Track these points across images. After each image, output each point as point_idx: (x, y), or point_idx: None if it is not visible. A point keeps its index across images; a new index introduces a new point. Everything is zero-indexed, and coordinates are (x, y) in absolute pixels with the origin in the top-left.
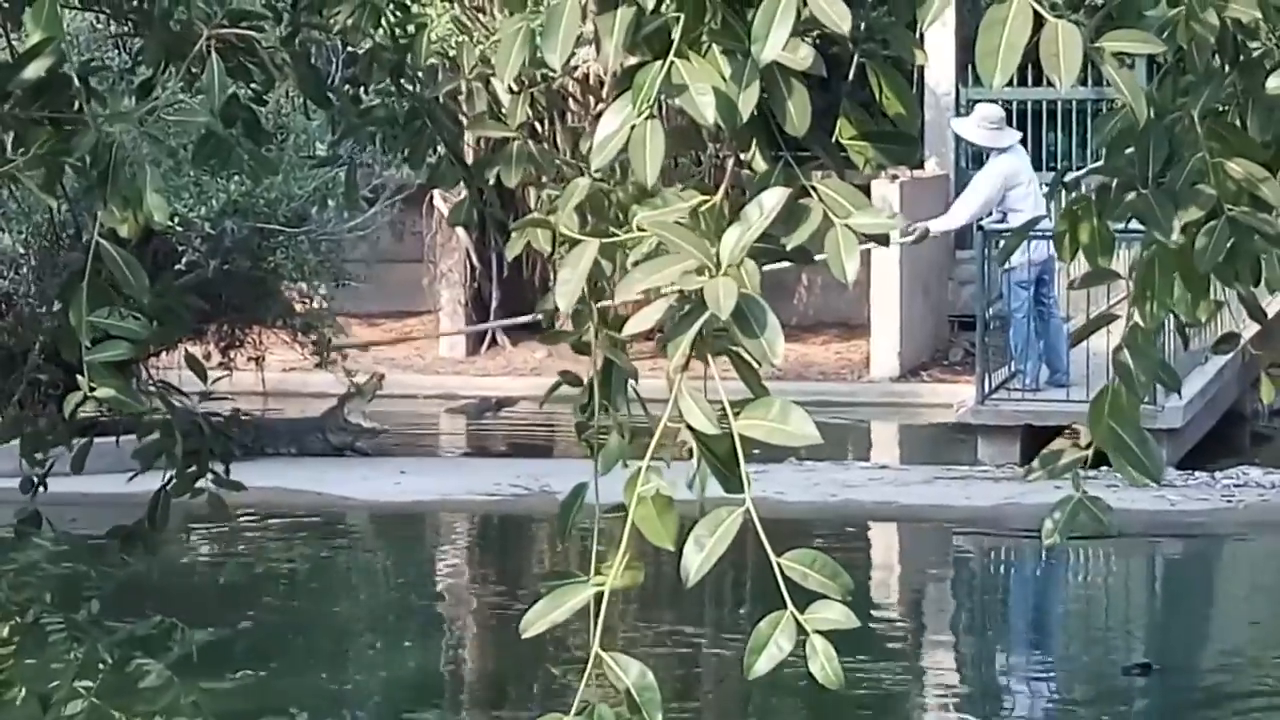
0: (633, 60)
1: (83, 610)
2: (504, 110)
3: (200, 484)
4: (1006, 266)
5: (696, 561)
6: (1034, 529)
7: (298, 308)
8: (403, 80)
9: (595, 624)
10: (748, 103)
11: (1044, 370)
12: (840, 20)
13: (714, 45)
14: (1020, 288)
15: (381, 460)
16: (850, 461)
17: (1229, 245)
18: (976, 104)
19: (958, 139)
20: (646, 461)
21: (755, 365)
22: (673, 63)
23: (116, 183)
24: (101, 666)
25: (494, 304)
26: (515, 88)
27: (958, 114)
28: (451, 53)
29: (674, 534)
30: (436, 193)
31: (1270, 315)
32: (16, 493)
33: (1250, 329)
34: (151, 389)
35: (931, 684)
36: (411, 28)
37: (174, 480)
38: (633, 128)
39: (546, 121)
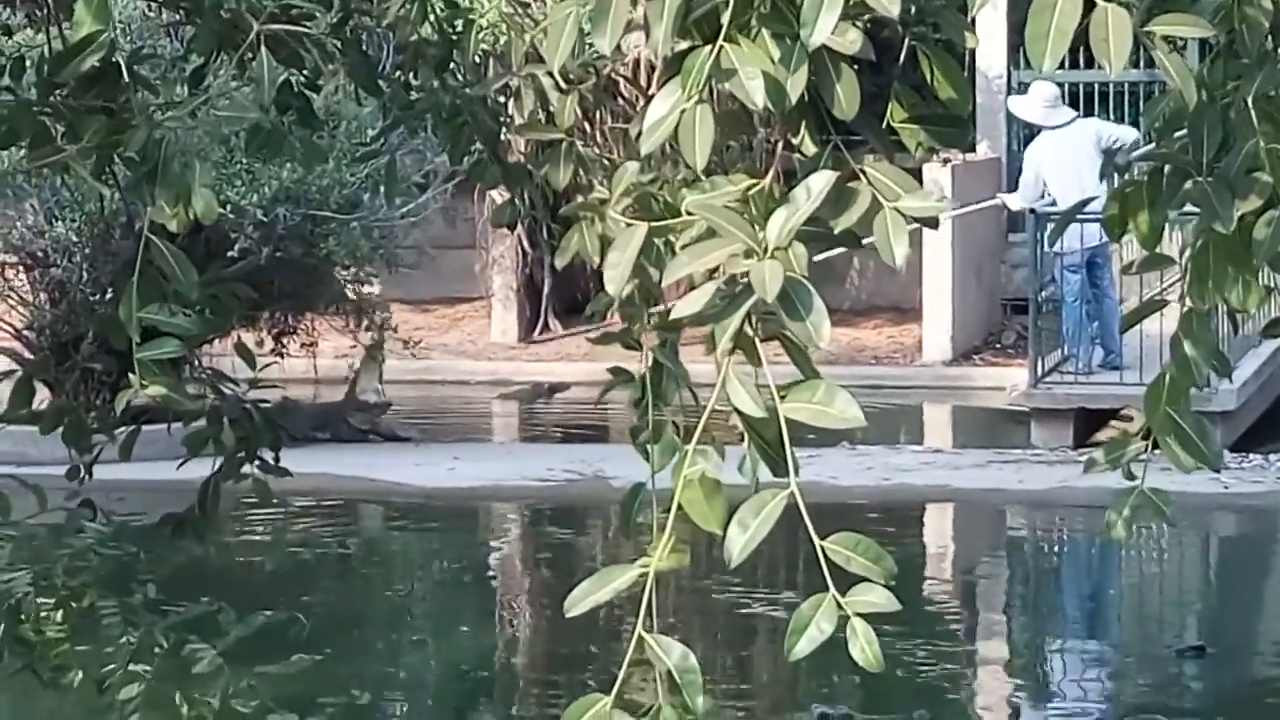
0: (682, 45)
1: (137, 595)
2: (552, 108)
3: (247, 470)
4: (1057, 250)
5: (740, 542)
6: (1089, 510)
7: (350, 294)
8: (447, 76)
9: (641, 605)
10: (796, 87)
11: (1097, 353)
12: (890, 4)
13: (763, 29)
14: (1071, 271)
15: (435, 446)
16: (903, 445)
17: None
18: (1031, 84)
19: (1009, 121)
20: (694, 445)
21: (805, 348)
22: (722, 47)
23: (166, 178)
24: (156, 651)
25: (546, 290)
26: (564, 86)
27: (1009, 96)
28: (499, 44)
29: (721, 517)
30: None
31: None
32: (63, 480)
33: None
34: (201, 377)
35: (984, 666)
36: (459, 23)
37: (223, 468)
38: (682, 112)
39: (596, 117)
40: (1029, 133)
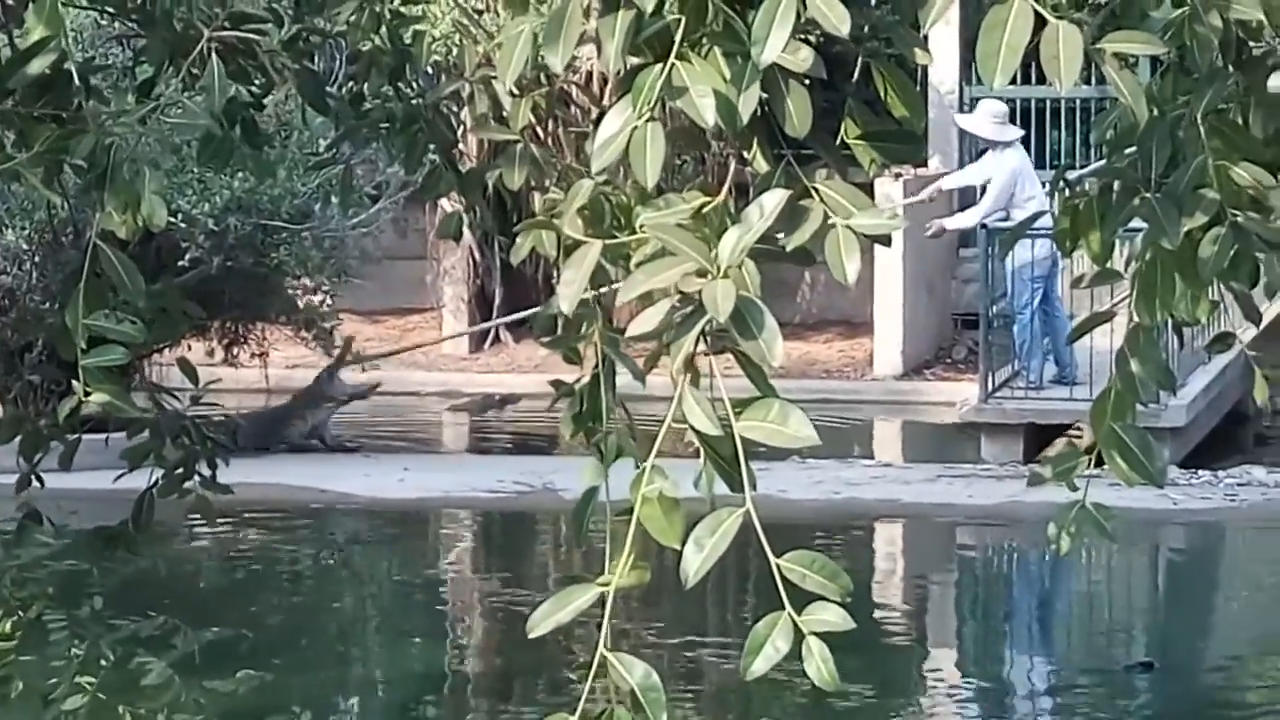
0: (634, 62)
1: (85, 607)
2: (506, 113)
3: (189, 485)
4: (1017, 264)
5: (696, 562)
6: (1036, 525)
7: (300, 304)
8: (400, 84)
9: (603, 624)
10: (748, 104)
11: (1050, 368)
12: (840, 22)
13: (714, 47)
14: (1027, 284)
15: (384, 457)
16: (854, 460)
17: (1232, 252)
18: (980, 100)
19: (961, 136)
20: (651, 461)
21: (760, 364)
22: (674, 65)
23: (115, 184)
24: (103, 664)
25: (497, 301)
26: (517, 90)
27: (961, 111)
28: (453, 53)
29: (680, 533)
30: None
31: (1271, 315)
32: (10, 489)
33: (1248, 330)
34: (145, 388)
35: (933, 681)
36: (410, 32)
37: (161, 482)
38: (634, 130)
39: (549, 123)
40: (982, 148)
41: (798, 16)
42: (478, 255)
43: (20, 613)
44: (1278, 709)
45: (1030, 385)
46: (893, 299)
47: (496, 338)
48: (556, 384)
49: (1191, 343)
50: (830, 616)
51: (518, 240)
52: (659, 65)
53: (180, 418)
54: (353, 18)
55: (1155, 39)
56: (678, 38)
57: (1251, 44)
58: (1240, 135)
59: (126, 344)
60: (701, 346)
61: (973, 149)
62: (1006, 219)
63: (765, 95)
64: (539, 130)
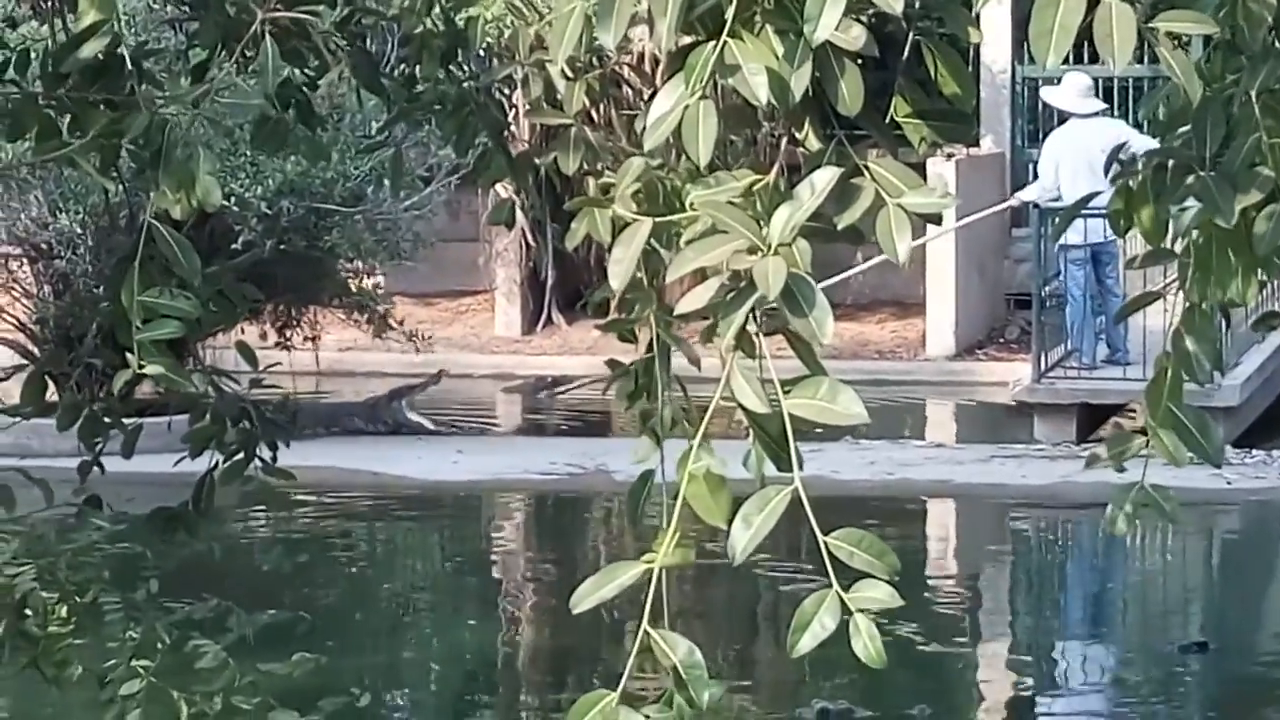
0: (686, 40)
1: (140, 590)
2: (560, 96)
3: (250, 471)
4: (1062, 244)
5: (744, 540)
6: (1091, 506)
7: (353, 287)
8: (452, 67)
9: (647, 602)
10: (800, 82)
11: (1102, 348)
12: (894, 0)
13: (767, 25)
14: (1075, 266)
15: (438, 440)
16: (906, 440)
17: None
18: (1065, 75)
19: (1014, 116)
20: (698, 440)
21: (811, 343)
22: (726, 43)
23: (169, 164)
24: (159, 647)
25: (549, 283)
26: (570, 73)
27: (1013, 91)
28: (505, 36)
29: (727, 512)
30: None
31: None
32: (71, 472)
33: None
34: (202, 372)
35: (985, 662)
36: (465, 14)
37: (221, 466)
38: (686, 108)
39: (602, 106)
40: (1034, 128)
41: None
42: (530, 238)
43: (77, 597)
44: None
45: (1083, 365)
46: (945, 279)
47: (549, 320)
48: (612, 364)
49: (1245, 322)
50: (878, 594)
51: (572, 224)
52: (711, 43)
53: (240, 400)
54: (406, 3)
55: (1208, 18)
56: (730, 15)
57: None
58: None
59: (181, 318)
60: (752, 326)
61: (1026, 129)
62: (1059, 199)
63: (817, 74)
64: (593, 113)
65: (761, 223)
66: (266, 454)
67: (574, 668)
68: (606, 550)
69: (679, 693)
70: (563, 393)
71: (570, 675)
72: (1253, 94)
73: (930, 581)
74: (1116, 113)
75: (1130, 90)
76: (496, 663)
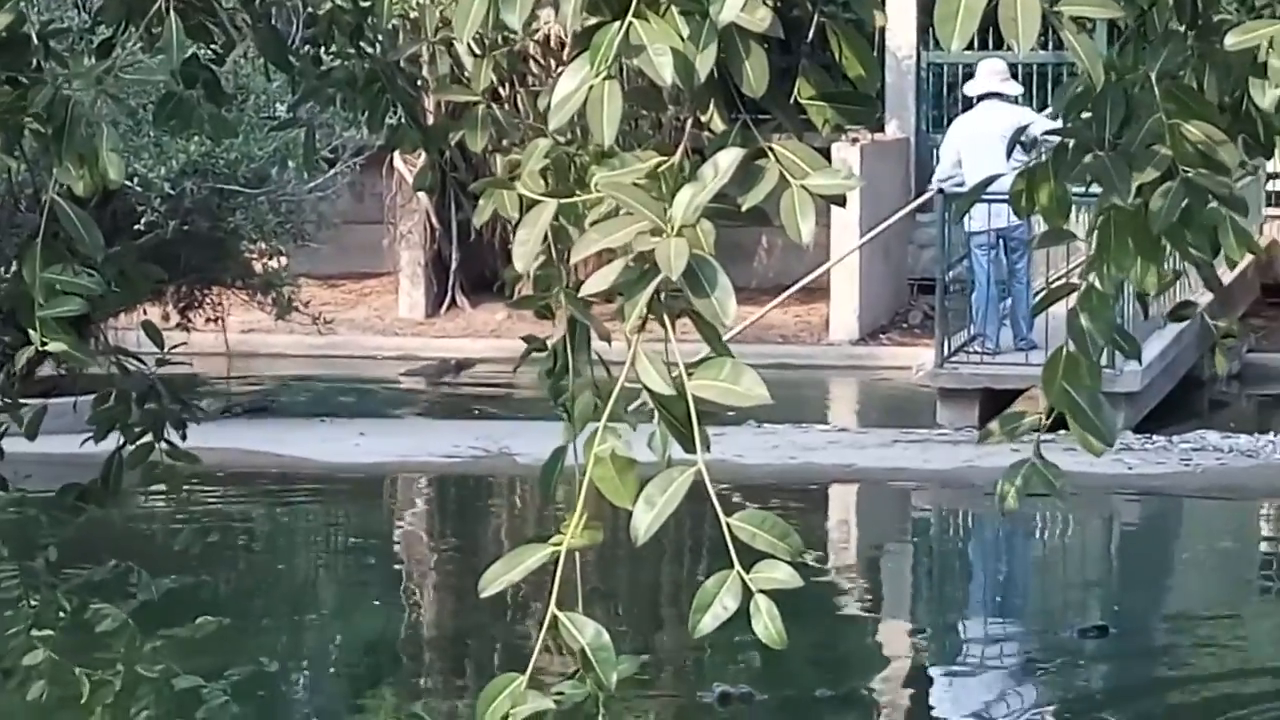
0: (591, 20)
1: (38, 559)
2: (467, 74)
3: (154, 454)
4: (969, 230)
5: (646, 521)
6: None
7: (257, 268)
8: (362, 43)
9: (554, 584)
10: (705, 64)
11: (1006, 334)
12: None
13: (672, 6)
14: (980, 251)
15: (341, 421)
16: (809, 424)
17: (1184, 207)
18: (980, 62)
19: (919, 101)
20: (604, 421)
21: (714, 324)
22: (631, 23)
23: (73, 140)
24: (60, 614)
25: (454, 265)
26: (477, 51)
27: (918, 76)
28: (413, 14)
29: (633, 494)
30: (396, 154)
31: (1226, 282)
32: None
33: (1206, 295)
34: (107, 351)
35: (888, 645)
36: None
37: (129, 446)
38: (590, 88)
39: (509, 85)
40: (939, 113)
41: None
42: (435, 220)
43: None
44: (1229, 673)
45: (986, 351)
46: (849, 264)
47: (453, 302)
48: (529, 339)
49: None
50: (779, 574)
51: (479, 203)
52: (616, 23)
53: (147, 379)
54: None
55: (1111, 2)
56: None
57: (1209, 9)
58: (1195, 99)
59: (83, 295)
60: (657, 307)
61: (930, 114)
62: (962, 184)
63: (722, 55)
64: (500, 92)
65: (665, 204)
66: (173, 436)
67: (478, 649)
68: (510, 533)
69: (587, 674)
70: (465, 370)
71: (474, 657)
72: (1153, 76)
73: (832, 564)
74: (1022, 99)
75: (1035, 76)
76: (400, 645)
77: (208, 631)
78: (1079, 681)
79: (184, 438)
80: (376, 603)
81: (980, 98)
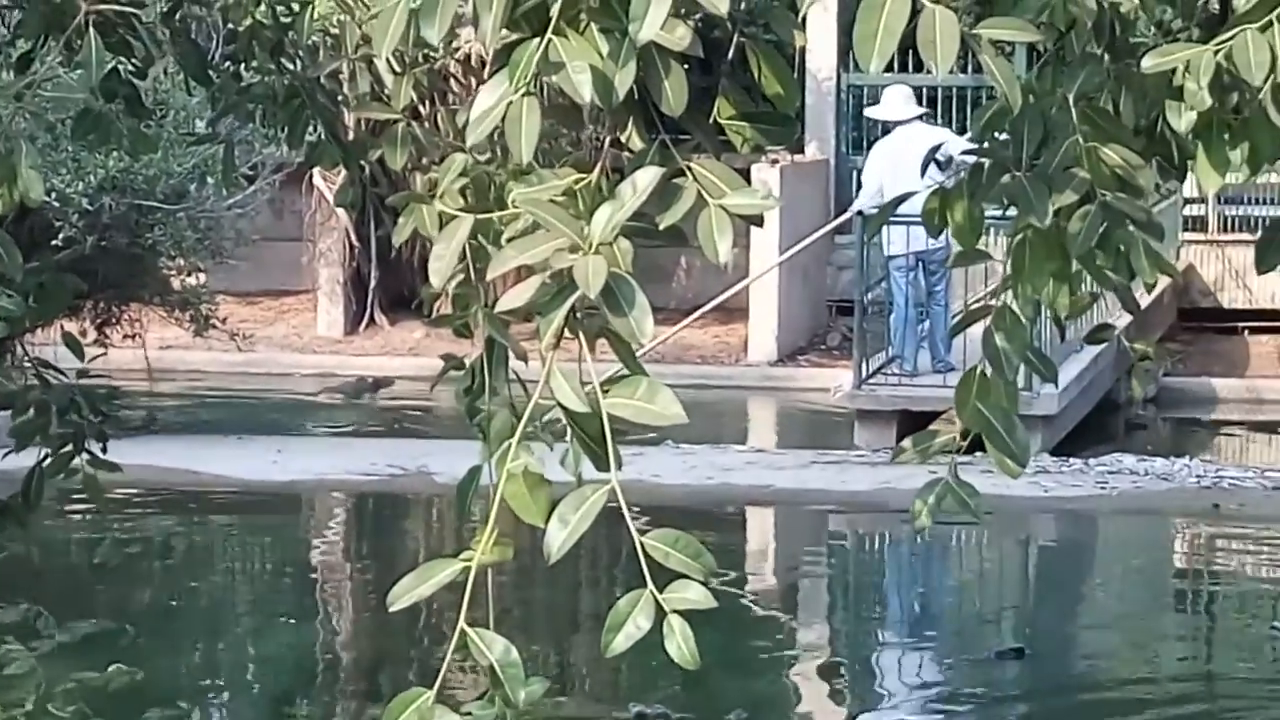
0: (511, 37)
1: None
2: (387, 91)
3: (75, 463)
4: (889, 253)
5: (560, 539)
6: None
7: (175, 285)
8: (283, 59)
9: (464, 600)
10: (624, 81)
11: (924, 356)
12: (719, 2)
13: (592, 23)
14: (899, 273)
15: (258, 439)
16: (727, 445)
17: (1101, 230)
18: (886, 88)
19: (838, 123)
20: (517, 438)
21: (630, 342)
22: (550, 40)
23: None
24: None
25: (372, 283)
26: (397, 68)
27: (838, 98)
28: (334, 31)
29: (545, 511)
30: (316, 171)
31: (1143, 305)
32: None
33: (1125, 318)
34: (27, 366)
35: (804, 667)
36: (294, 6)
37: (50, 458)
38: (509, 104)
39: (429, 103)
40: (858, 135)
41: None
42: (354, 238)
43: None
44: (1145, 694)
45: (904, 373)
46: (768, 285)
47: (372, 320)
48: (447, 358)
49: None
50: (692, 595)
51: (399, 221)
52: (536, 40)
53: (70, 391)
54: None
55: (1029, 25)
56: (555, 12)
57: (1125, 33)
58: (1111, 122)
59: (5, 318)
60: (574, 325)
61: (850, 136)
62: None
63: (641, 73)
64: (420, 110)
65: (583, 222)
66: (95, 448)
67: (393, 668)
68: (427, 551)
69: (496, 691)
70: (383, 388)
71: (389, 675)
72: (1070, 98)
73: (749, 586)
74: (940, 121)
75: (954, 100)
76: (316, 663)
77: (122, 682)
78: (996, 703)
79: (104, 450)
80: (292, 621)
81: (899, 122)
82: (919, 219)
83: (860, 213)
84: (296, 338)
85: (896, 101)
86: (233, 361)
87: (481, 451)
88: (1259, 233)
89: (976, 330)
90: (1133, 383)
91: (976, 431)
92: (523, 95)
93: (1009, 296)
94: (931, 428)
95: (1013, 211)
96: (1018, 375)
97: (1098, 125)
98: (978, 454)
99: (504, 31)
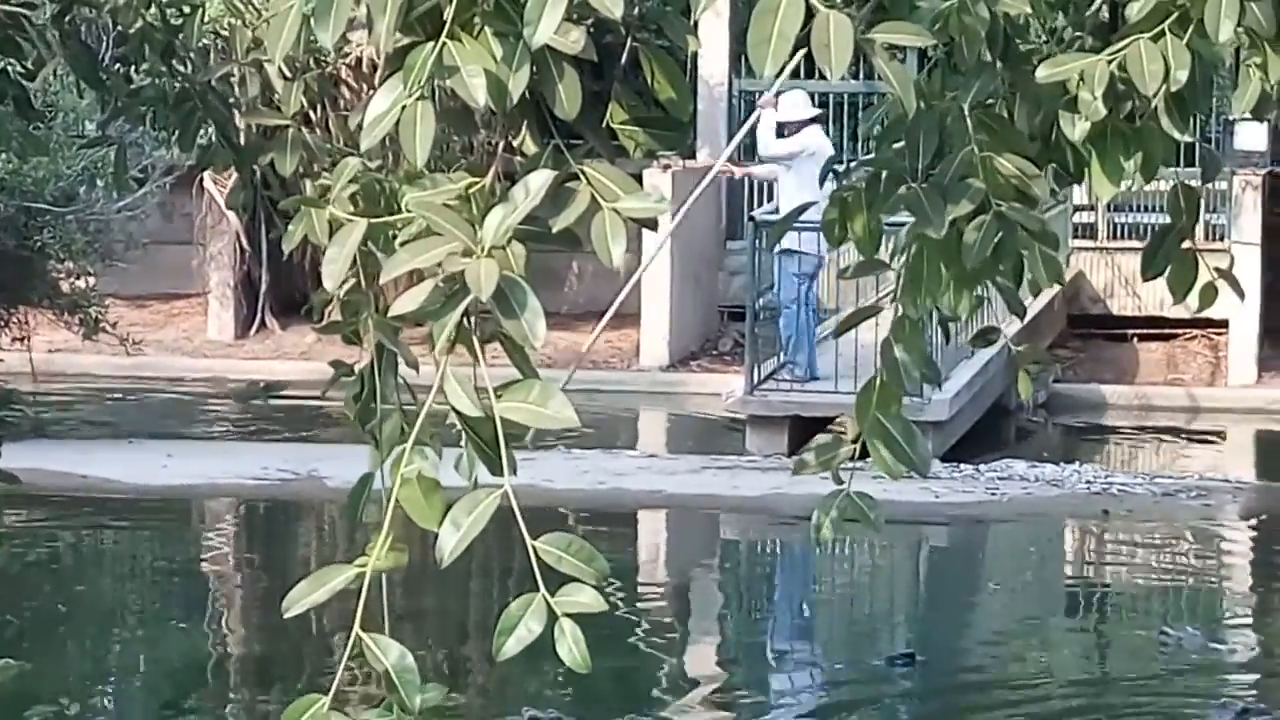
0: (405, 40)
1: None
2: (278, 96)
3: None
4: (786, 257)
5: (452, 542)
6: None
7: (64, 288)
8: (174, 62)
9: (359, 605)
10: (518, 85)
11: (823, 361)
12: (613, 6)
13: (486, 27)
14: (801, 278)
15: (149, 443)
16: (619, 450)
17: (996, 240)
18: (783, 94)
19: (730, 128)
20: (411, 443)
21: (523, 348)
22: (445, 43)
23: None
24: None
25: (263, 287)
26: (288, 73)
27: (730, 104)
28: (225, 33)
29: (439, 515)
30: (207, 175)
31: (1033, 312)
32: None
33: (1014, 324)
34: None
35: (695, 671)
36: (185, 9)
37: None
38: (403, 108)
39: (320, 108)
40: (750, 141)
41: None
42: (245, 241)
43: None
44: (1035, 696)
45: (799, 378)
46: (660, 290)
47: (263, 324)
48: (336, 364)
49: (956, 338)
50: (584, 598)
51: (290, 227)
52: (430, 43)
53: None
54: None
55: (923, 30)
56: (449, 16)
57: (1019, 40)
58: (1006, 130)
59: None
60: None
61: (743, 143)
62: (776, 211)
63: (535, 77)
64: (310, 115)
65: (476, 225)
66: None
67: (287, 673)
68: (319, 556)
69: (392, 696)
70: (276, 397)
71: (283, 681)
72: (966, 108)
73: (641, 590)
74: (833, 128)
75: (846, 106)
76: (207, 669)
77: (9, 675)
78: (887, 708)
79: None
80: (182, 626)
81: (802, 124)
82: (813, 225)
83: (752, 218)
84: (187, 341)
85: (805, 104)
86: (122, 365)
87: (372, 457)
88: (1147, 240)
89: (864, 334)
90: (1020, 383)
91: (875, 441)
92: (417, 99)
93: (903, 305)
94: (824, 436)
95: (903, 217)
96: (916, 387)
97: (994, 133)
98: (869, 460)
99: (398, 35)
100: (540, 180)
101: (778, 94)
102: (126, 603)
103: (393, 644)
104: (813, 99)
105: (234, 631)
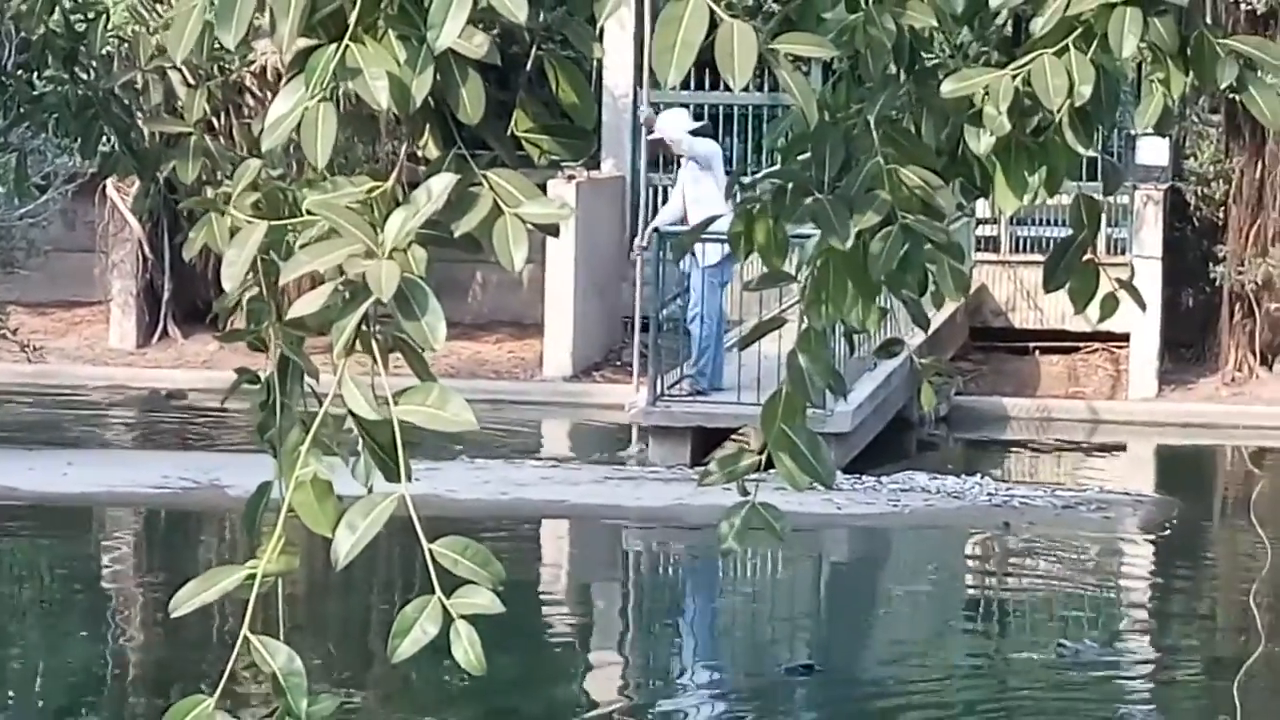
0: (308, 43)
1: None
2: (181, 103)
3: None
4: (704, 266)
5: (347, 546)
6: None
7: None
8: (76, 69)
9: (249, 608)
10: (421, 88)
11: (730, 371)
12: (516, 10)
13: (390, 30)
14: (715, 289)
15: (49, 451)
16: (522, 460)
17: (902, 252)
18: (669, 110)
19: (634, 140)
20: (307, 446)
21: (423, 353)
22: (348, 46)
23: None
24: None
25: (166, 295)
26: (192, 80)
27: (635, 116)
28: (128, 40)
29: (333, 520)
30: (109, 182)
31: (936, 324)
32: None
33: (917, 336)
34: None
35: (595, 680)
36: (88, 16)
37: None
38: (305, 110)
39: (223, 116)
40: (655, 154)
41: (474, 3)
42: (147, 249)
43: None
44: (933, 704)
45: (699, 389)
46: (564, 300)
47: (165, 332)
48: (241, 371)
49: (860, 349)
50: (480, 600)
51: (190, 234)
52: (333, 46)
53: None
54: (24, 5)
55: (827, 42)
56: (353, 19)
57: (924, 54)
58: (912, 143)
59: None
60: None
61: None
62: (682, 222)
63: (439, 82)
64: (214, 123)
65: (378, 228)
66: None
67: (183, 680)
68: (219, 564)
69: (279, 700)
70: (176, 401)
71: (179, 687)
72: (871, 120)
73: (542, 599)
74: (737, 140)
75: (750, 118)
76: (104, 675)
77: None
78: (786, 718)
79: None
80: (82, 633)
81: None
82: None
83: (657, 229)
84: (89, 349)
85: (679, 119)
86: (23, 372)
87: (274, 468)
88: (1050, 253)
89: (768, 346)
90: (922, 395)
91: (779, 452)
92: (319, 101)
93: (809, 317)
94: (728, 447)
95: (809, 229)
96: (823, 401)
97: (900, 146)
98: (773, 470)
99: (301, 38)
100: (443, 184)
101: (655, 109)
102: (25, 611)
103: (281, 647)
104: (716, 110)
105: (134, 639)
